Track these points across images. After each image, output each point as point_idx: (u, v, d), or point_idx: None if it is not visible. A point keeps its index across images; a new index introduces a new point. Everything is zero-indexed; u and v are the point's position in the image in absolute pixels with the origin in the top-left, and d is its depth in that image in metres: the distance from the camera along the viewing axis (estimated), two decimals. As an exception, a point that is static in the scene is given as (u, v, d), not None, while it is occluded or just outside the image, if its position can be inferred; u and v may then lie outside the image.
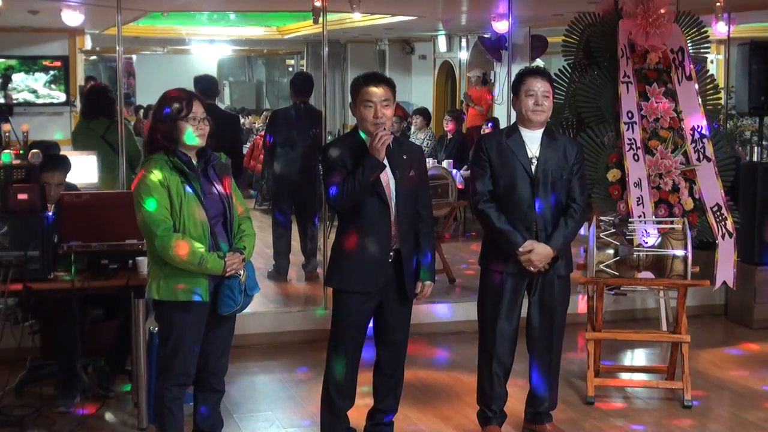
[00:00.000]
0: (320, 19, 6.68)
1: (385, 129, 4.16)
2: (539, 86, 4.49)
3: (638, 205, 6.06)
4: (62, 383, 5.05)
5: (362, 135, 4.23)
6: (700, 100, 6.36)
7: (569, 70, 6.64)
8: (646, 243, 5.46)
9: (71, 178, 5.66)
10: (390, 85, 4.23)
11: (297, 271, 8.06)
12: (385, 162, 4.16)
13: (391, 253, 4.24)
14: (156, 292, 3.96)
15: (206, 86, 7.58)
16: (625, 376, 5.86)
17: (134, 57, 17.47)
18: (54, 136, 9.09)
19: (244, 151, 12.38)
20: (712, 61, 10.79)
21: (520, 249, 4.43)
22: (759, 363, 6.16)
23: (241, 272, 3.97)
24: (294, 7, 10.22)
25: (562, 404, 4.99)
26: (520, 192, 4.47)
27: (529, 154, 4.50)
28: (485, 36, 12.73)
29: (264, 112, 15.73)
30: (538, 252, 4.43)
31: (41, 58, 11.60)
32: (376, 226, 4.19)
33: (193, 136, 3.93)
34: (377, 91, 4.17)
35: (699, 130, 6.28)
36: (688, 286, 5.24)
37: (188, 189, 3.89)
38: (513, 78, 4.67)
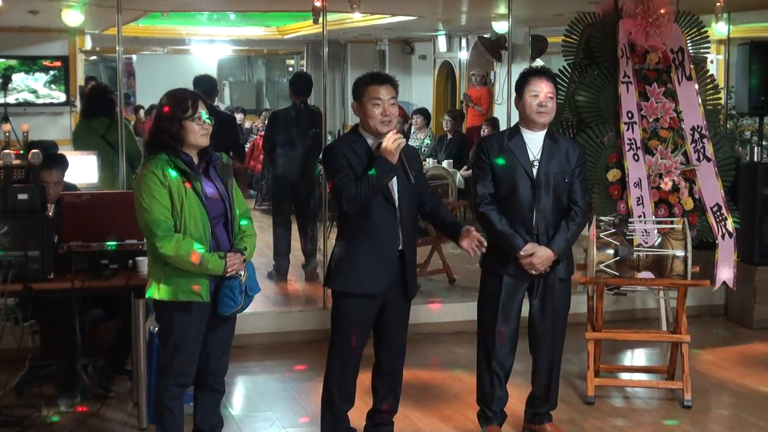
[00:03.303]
0: (320, 19, 6.68)
1: (395, 130, 4.17)
2: (543, 87, 4.47)
3: (638, 205, 6.05)
4: (62, 383, 5.05)
5: (365, 134, 4.23)
6: (700, 100, 6.36)
7: (569, 70, 6.64)
8: (646, 243, 5.46)
9: (72, 178, 5.66)
10: (395, 84, 4.25)
11: (297, 271, 8.06)
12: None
13: (396, 254, 4.25)
14: (156, 292, 3.97)
15: (208, 87, 7.60)
16: (625, 376, 5.86)
17: (134, 57, 17.45)
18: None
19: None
20: (712, 61, 10.78)
21: (522, 252, 4.42)
22: (759, 363, 6.16)
23: (242, 272, 3.97)
24: (294, 7, 10.22)
25: (562, 404, 4.99)
26: (522, 194, 4.46)
27: (531, 157, 4.49)
28: (485, 36, 12.72)
29: (263, 113, 15.72)
30: (539, 255, 4.42)
31: (41, 58, 11.58)
32: (383, 228, 4.19)
33: (199, 136, 3.93)
34: (385, 90, 4.17)
35: (699, 130, 6.28)
36: (688, 286, 5.24)
37: (189, 189, 3.90)
38: (515, 78, 4.66)
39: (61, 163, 5.49)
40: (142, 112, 14.25)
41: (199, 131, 3.94)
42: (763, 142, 8.04)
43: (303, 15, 10.98)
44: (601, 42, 6.43)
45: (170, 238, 3.83)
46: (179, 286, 3.91)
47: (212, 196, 3.98)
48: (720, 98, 7.07)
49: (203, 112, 3.95)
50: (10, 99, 11.03)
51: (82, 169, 6.38)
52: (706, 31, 6.74)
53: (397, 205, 4.22)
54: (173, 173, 3.87)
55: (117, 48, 6.60)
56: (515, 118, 4.69)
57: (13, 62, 11.53)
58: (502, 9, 9.20)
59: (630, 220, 5.78)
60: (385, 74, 4.31)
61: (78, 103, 10.87)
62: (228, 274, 3.92)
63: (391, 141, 4.10)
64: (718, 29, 8.68)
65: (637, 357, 6.40)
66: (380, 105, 4.15)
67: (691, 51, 6.50)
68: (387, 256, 4.22)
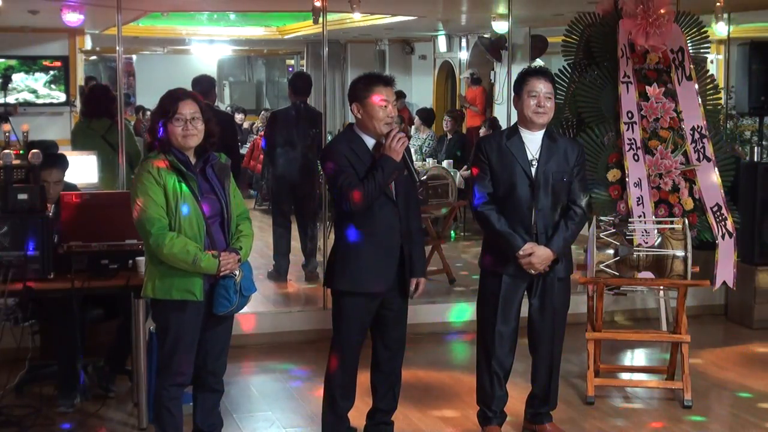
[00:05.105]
0: (320, 19, 6.68)
1: (398, 129, 4.19)
2: (542, 87, 4.46)
3: (638, 205, 6.06)
4: (62, 383, 5.05)
5: (361, 134, 4.22)
6: (700, 100, 6.36)
7: (569, 70, 6.64)
8: (646, 243, 5.46)
9: (72, 178, 5.66)
10: (394, 85, 4.28)
11: (297, 271, 8.06)
12: None
13: (398, 251, 4.26)
14: (151, 291, 3.97)
15: (205, 87, 7.59)
16: (625, 376, 5.86)
17: (134, 57, 17.47)
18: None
19: (244, 150, 12.40)
20: (712, 61, 10.78)
21: (520, 252, 4.41)
22: (759, 363, 6.16)
23: (237, 272, 3.97)
24: (294, 7, 10.22)
25: (562, 404, 4.99)
26: (520, 194, 4.46)
27: (530, 157, 4.48)
28: (485, 36, 12.73)
29: (262, 112, 15.73)
30: (538, 255, 4.42)
31: (41, 58, 11.60)
32: (385, 225, 4.21)
33: (181, 137, 3.92)
34: (388, 92, 4.19)
35: (699, 130, 6.28)
36: (688, 286, 5.24)
37: (185, 188, 3.90)
38: (514, 77, 4.66)
39: (61, 162, 5.49)
40: (141, 113, 14.25)
41: (180, 133, 3.93)
42: (763, 142, 8.04)
43: (303, 15, 10.99)
44: (601, 42, 6.44)
45: (164, 236, 3.84)
46: (173, 285, 3.92)
47: (208, 196, 3.98)
48: (720, 98, 7.08)
49: (187, 114, 3.93)
50: (10, 99, 11.04)
51: (82, 169, 6.39)
52: (706, 31, 6.75)
53: (396, 200, 4.24)
54: (168, 172, 3.88)
55: (117, 48, 6.60)
56: (515, 118, 4.68)
57: (13, 62, 11.55)
58: (502, 9, 9.20)
59: (630, 220, 5.78)
60: (387, 75, 4.31)
61: (78, 103, 10.88)
62: (222, 274, 3.92)
63: (396, 140, 4.11)
64: (718, 29, 8.68)
65: (637, 357, 6.40)
66: (387, 106, 4.16)
67: (691, 51, 6.51)
68: (390, 253, 4.24)
